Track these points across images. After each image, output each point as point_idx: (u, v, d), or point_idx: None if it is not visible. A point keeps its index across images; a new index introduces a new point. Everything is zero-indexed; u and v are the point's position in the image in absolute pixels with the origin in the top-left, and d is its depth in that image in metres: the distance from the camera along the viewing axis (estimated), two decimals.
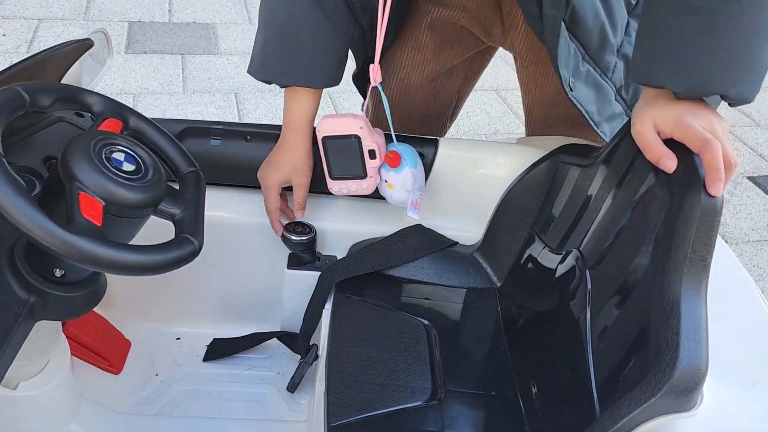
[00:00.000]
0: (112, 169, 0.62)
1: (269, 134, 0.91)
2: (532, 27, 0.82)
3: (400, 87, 1.01)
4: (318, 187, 0.89)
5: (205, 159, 0.84)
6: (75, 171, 0.59)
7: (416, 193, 0.84)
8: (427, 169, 0.92)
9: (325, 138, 0.82)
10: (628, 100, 0.90)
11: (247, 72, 0.88)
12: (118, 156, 0.64)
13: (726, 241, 1.63)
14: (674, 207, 0.59)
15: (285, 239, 0.88)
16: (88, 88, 0.78)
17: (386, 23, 0.77)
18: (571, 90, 0.82)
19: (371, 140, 0.81)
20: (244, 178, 0.91)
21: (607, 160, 0.73)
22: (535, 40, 0.87)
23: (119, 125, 0.72)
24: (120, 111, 0.73)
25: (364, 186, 0.85)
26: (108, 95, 0.75)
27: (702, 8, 0.61)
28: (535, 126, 1.03)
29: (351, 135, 0.81)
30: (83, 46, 0.84)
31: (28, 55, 0.77)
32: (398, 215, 0.92)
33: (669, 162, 0.60)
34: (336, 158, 0.84)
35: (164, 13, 2.42)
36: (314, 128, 0.85)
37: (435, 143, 0.92)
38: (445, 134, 1.12)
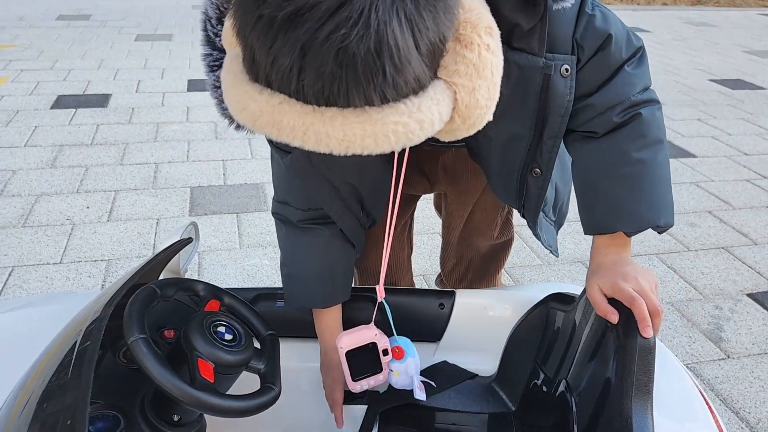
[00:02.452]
0: (218, 339, 0.87)
1: None
2: (515, 208, 1.08)
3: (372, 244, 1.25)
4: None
5: (274, 318, 1.09)
6: (194, 344, 0.85)
7: (418, 377, 1.02)
8: (448, 315, 1.16)
9: (347, 353, 1.00)
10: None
11: (284, 305, 1.11)
12: (221, 329, 0.90)
13: (728, 356, 1.81)
14: (621, 346, 0.81)
15: None
16: (187, 275, 1.05)
17: (387, 257, 0.99)
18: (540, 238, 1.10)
19: (383, 341, 1.00)
20: (303, 331, 1.16)
21: (579, 309, 0.97)
22: (457, 183, 1.19)
23: (218, 304, 0.98)
24: (217, 293, 1.00)
25: (381, 378, 1.02)
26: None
27: (627, 174, 0.87)
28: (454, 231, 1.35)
29: (369, 343, 1.00)
30: (184, 242, 1.13)
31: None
32: (427, 353, 1.15)
33: (612, 316, 0.83)
34: (356, 364, 1.01)
35: (219, 177, 2.81)
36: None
37: (453, 294, 1.16)
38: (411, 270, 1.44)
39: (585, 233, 0.98)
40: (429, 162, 1.17)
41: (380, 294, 1.00)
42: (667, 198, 0.89)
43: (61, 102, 3.65)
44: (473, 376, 1.15)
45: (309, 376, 1.13)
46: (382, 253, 0.99)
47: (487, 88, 0.67)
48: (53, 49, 4.78)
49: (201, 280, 1.01)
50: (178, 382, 0.78)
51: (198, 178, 2.78)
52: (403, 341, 1.03)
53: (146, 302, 0.86)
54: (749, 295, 2.13)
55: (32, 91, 3.81)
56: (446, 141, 0.73)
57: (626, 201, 0.87)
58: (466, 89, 0.64)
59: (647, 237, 2.46)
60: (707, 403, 0.92)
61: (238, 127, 0.75)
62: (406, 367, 1.00)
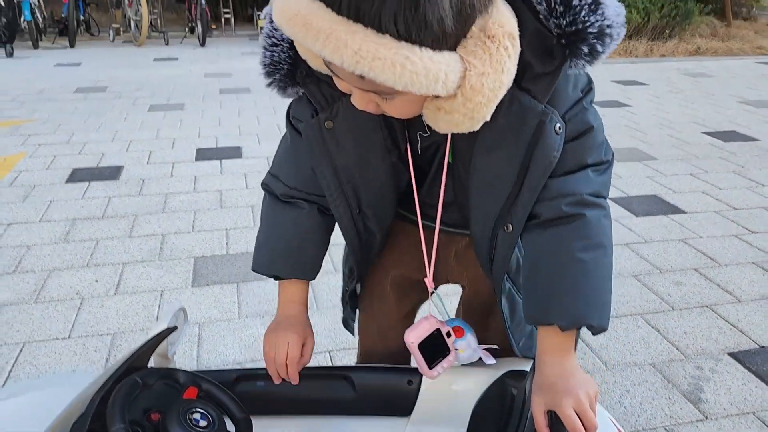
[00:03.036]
0: (193, 426, 0.98)
1: (303, 374, 1.26)
2: (484, 271, 1.11)
3: (377, 331, 1.35)
4: (351, 410, 1.20)
5: (254, 396, 1.19)
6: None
7: (480, 348, 1.11)
8: (417, 391, 1.25)
9: (419, 344, 1.05)
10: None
11: (252, 269, 1.13)
12: (197, 416, 1.00)
13: (706, 417, 1.86)
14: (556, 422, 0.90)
15: None
16: (177, 355, 1.16)
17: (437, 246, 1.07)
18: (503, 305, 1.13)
19: (444, 327, 1.07)
20: (283, 409, 1.25)
21: (529, 382, 1.06)
22: (471, 272, 1.21)
23: (196, 391, 1.09)
24: (195, 381, 1.10)
25: (451, 359, 1.08)
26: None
27: (568, 271, 0.91)
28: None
29: (434, 330, 1.06)
30: (170, 330, 1.24)
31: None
32: (399, 427, 1.23)
33: None
34: (428, 353, 1.06)
35: (222, 246, 2.94)
36: (404, 342, 1.08)
37: (418, 371, 1.26)
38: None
39: (525, 323, 1.03)
40: (441, 250, 1.19)
41: (430, 285, 1.10)
42: (605, 301, 0.93)
43: (76, 175, 3.85)
44: None
45: None
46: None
47: (495, 80, 0.73)
48: (70, 121, 5.03)
49: (180, 368, 1.11)
50: None
51: (202, 248, 2.92)
52: (458, 321, 1.11)
53: (129, 393, 0.97)
54: (730, 354, 2.19)
55: (49, 165, 4.03)
56: (441, 132, 0.81)
57: (563, 295, 0.92)
58: (477, 70, 0.72)
59: (633, 298, 2.54)
60: None
61: (271, 81, 0.91)
62: (468, 343, 1.09)
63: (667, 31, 9.18)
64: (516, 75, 0.78)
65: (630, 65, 7.89)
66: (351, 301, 1.33)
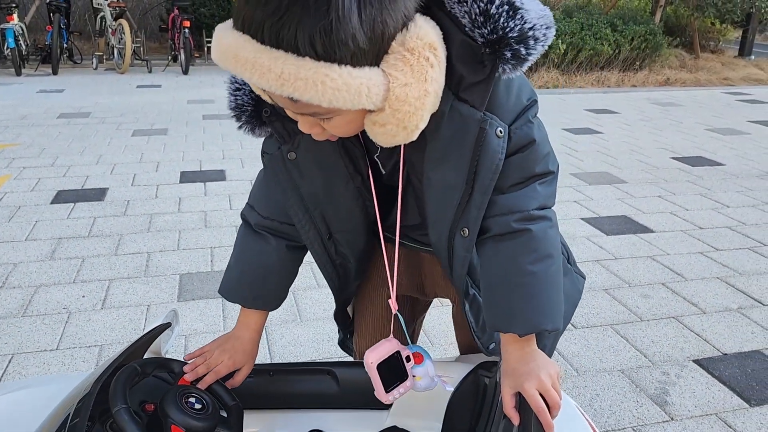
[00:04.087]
0: (188, 409, 1.05)
1: (289, 370, 1.34)
2: (448, 276, 1.12)
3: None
4: (335, 404, 1.28)
5: (243, 391, 1.26)
6: (168, 412, 1.03)
7: (438, 377, 1.11)
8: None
9: (378, 365, 1.05)
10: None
11: (218, 292, 1.20)
12: (192, 399, 1.08)
13: (672, 419, 1.96)
14: (522, 406, 0.99)
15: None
16: (168, 355, 1.24)
17: (396, 277, 1.09)
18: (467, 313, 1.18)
19: (405, 351, 1.07)
20: (270, 404, 1.32)
21: (499, 372, 1.15)
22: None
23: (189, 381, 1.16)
24: None
25: (408, 384, 1.08)
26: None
27: (521, 284, 0.97)
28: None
29: (394, 353, 1.07)
30: (165, 326, 1.31)
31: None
32: (380, 420, 1.31)
33: (515, 419, 0.95)
34: (386, 375, 1.06)
35: (207, 263, 3.01)
36: (363, 362, 1.09)
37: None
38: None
39: (487, 329, 1.09)
40: (427, 266, 1.27)
41: (393, 307, 1.10)
42: (557, 305, 0.99)
43: (61, 197, 3.90)
44: None
45: None
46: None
47: (419, 90, 0.77)
48: (54, 146, 5.09)
49: (176, 359, 1.19)
50: None
51: (187, 265, 2.99)
52: (418, 348, 1.12)
53: (129, 378, 1.04)
54: (695, 361, 2.30)
55: (33, 187, 4.07)
56: (384, 145, 0.85)
57: (518, 307, 0.98)
58: (399, 82, 0.75)
59: (603, 309, 2.66)
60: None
61: (241, 125, 0.99)
62: (426, 370, 1.09)
63: (638, 63, 9.52)
64: (453, 87, 0.84)
65: (602, 95, 8.16)
66: (342, 324, 1.40)
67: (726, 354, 2.36)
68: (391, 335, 1.10)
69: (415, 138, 0.84)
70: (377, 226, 1.11)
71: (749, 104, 7.80)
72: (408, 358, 1.09)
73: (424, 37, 0.77)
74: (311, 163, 1.03)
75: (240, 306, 1.21)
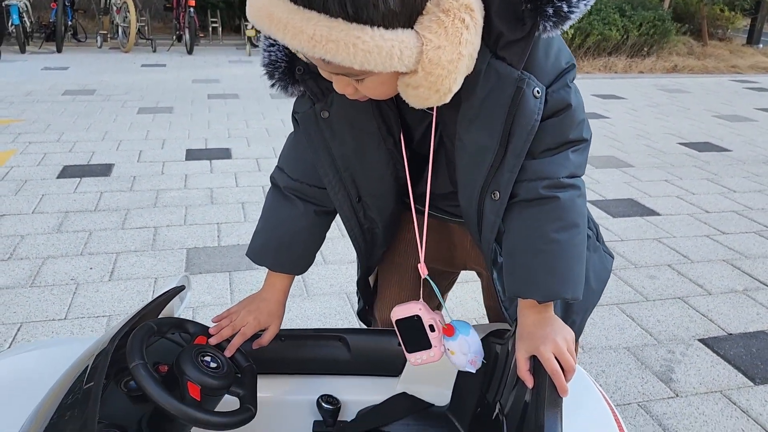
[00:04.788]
0: (204, 367, 1.06)
1: (300, 335, 1.34)
2: (476, 242, 1.12)
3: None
4: (345, 370, 1.29)
5: (255, 354, 1.27)
6: (184, 369, 1.03)
7: (473, 355, 1.05)
8: None
9: (397, 321, 1.04)
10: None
11: (246, 254, 1.19)
12: (207, 358, 1.08)
13: (677, 395, 1.97)
14: (536, 371, 0.99)
15: None
16: (182, 316, 1.25)
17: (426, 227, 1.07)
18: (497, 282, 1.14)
19: (429, 317, 1.02)
20: (281, 369, 1.33)
21: (511, 340, 1.15)
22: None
23: (205, 339, 1.17)
24: (205, 331, 1.19)
25: (431, 354, 1.04)
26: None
27: (544, 251, 0.96)
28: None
29: (413, 315, 1.03)
30: (179, 289, 1.32)
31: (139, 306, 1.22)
32: (390, 386, 1.32)
33: (529, 382, 0.94)
34: (407, 336, 1.05)
35: (214, 239, 3.01)
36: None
37: None
38: None
39: (506, 295, 1.07)
40: (458, 237, 1.25)
41: (423, 271, 1.05)
42: (578, 275, 0.97)
43: (67, 172, 3.90)
44: (430, 405, 1.30)
45: (285, 407, 1.30)
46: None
47: (452, 52, 0.75)
48: (59, 122, 5.08)
49: (191, 320, 1.19)
50: (170, 398, 0.96)
51: (194, 240, 2.99)
52: (458, 322, 1.05)
53: (145, 335, 1.04)
54: (700, 340, 2.31)
55: (39, 162, 4.07)
56: (417, 107, 0.83)
57: (539, 274, 0.96)
58: (433, 45, 0.74)
59: (609, 289, 2.66)
60: (615, 417, 1.10)
61: (273, 82, 0.97)
62: (459, 345, 1.03)
63: (646, 49, 9.45)
64: (491, 45, 0.83)
65: (609, 80, 8.11)
66: (364, 293, 1.38)
67: (731, 334, 2.36)
68: (420, 298, 1.08)
69: (447, 100, 0.83)
70: (407, 194, 1.09)
71: (757, 92, 7.75)
72: (432, 327, 1.03)
73: None
74: (344, 123, 1.02)
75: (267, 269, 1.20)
